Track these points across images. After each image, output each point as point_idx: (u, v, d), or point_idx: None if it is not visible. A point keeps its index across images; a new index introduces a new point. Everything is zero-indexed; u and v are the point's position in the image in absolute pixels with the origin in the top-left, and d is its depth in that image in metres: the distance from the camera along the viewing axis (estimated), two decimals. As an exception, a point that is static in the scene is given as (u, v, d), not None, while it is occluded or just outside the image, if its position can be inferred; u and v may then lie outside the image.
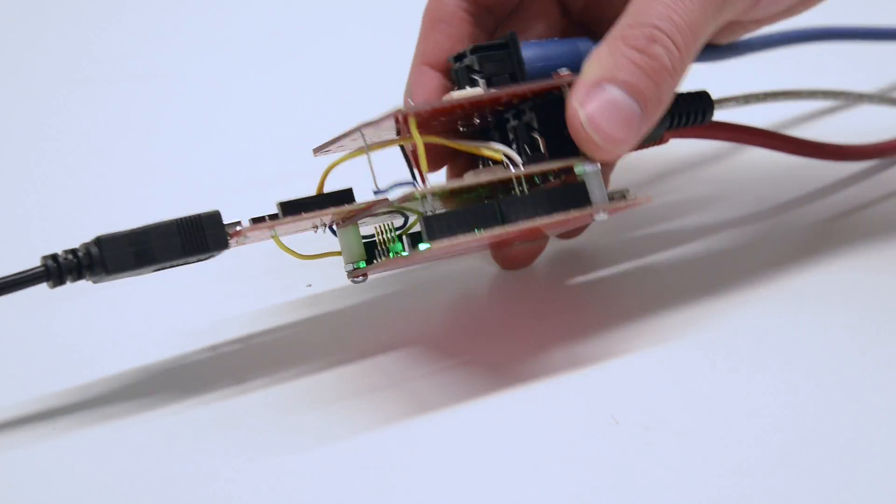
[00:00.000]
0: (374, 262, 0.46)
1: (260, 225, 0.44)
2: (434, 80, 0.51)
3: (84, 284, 0.43)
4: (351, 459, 0.41)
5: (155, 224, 0.43)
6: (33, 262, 0.42)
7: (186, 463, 0.41)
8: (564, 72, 0.46)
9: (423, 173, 0.44)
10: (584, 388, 0.44)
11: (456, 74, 0.49)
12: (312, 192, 0.47)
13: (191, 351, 0.47)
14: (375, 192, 0.44)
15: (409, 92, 0.51)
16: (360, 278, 0.47)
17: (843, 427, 0.42)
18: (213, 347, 0.47)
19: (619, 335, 0.47)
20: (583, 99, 0.45)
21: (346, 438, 0.42)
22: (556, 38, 0.52)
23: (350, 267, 0.47)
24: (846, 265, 0.51)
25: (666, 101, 0.46)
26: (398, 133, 0.46)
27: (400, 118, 0.43)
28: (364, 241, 0.47)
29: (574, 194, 0.45)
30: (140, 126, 0.65)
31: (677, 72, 0.46)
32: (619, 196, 0.46)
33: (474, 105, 0.46)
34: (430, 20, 0.51)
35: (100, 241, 0.42)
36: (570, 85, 0.46)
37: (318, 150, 0.47)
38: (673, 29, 0.46)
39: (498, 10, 0.52)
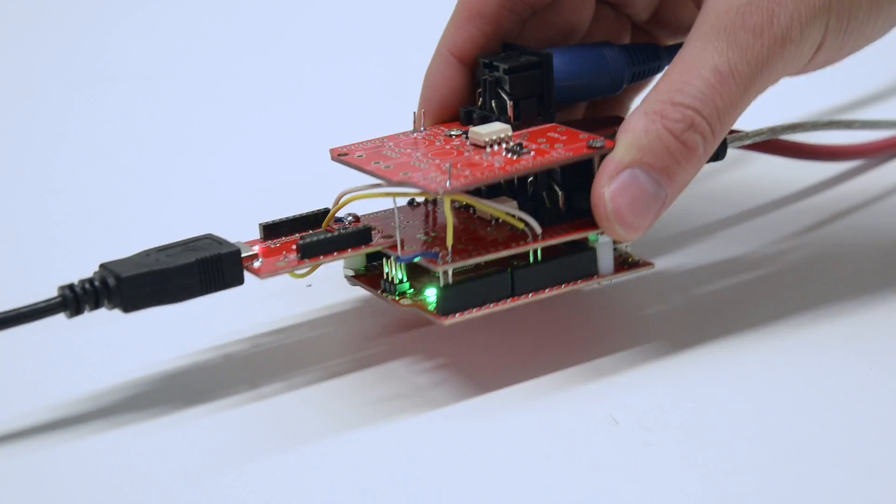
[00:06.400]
0: (377, 292, 0.47)
1: (279, 268, 0.44)
2: (458, 73, 0.50)
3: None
4: (365, 459, 0.42)
5: (176, 265, 0.43)
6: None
7: (203, 468, 0.42)
8: (598, 143, 0.46)
9: (449, 247, 0.44)
10: (585, 388, 0.45)
11: (483, 83, 0.49)
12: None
13: (200, 350, 0.47)
14: (397, 259, 0.45)
15: (430, 79, 0.50)
16: (358, 283, 0.48)
17: (841, 427, 0.43)
18: (221, 348, 0.47)
19: (619, 336, 0.48)
20: (611, 185, 0.45)
21: (360, 440, 0.43)
22: (582, 45, 0.51)
23: (350, 272, 0.48)
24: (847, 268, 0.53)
25: (689, 183, 0.46)
26: None
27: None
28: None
29: (583, 264, 0.46)
30: (141, 125, 0.63)
31: (707, 156, 0.46)
32: (623, 263, 0.47)
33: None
34: (468, 11, 0.49)
35: (120, 280, 0.42)
36: (601, 158, 0.45)
37: (336, 157, 0.47)
38: (714, 115, 0.45)
39: (538, 4, 0.50)
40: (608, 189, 0.45)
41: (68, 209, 0.56)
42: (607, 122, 0.52)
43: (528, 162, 0.45)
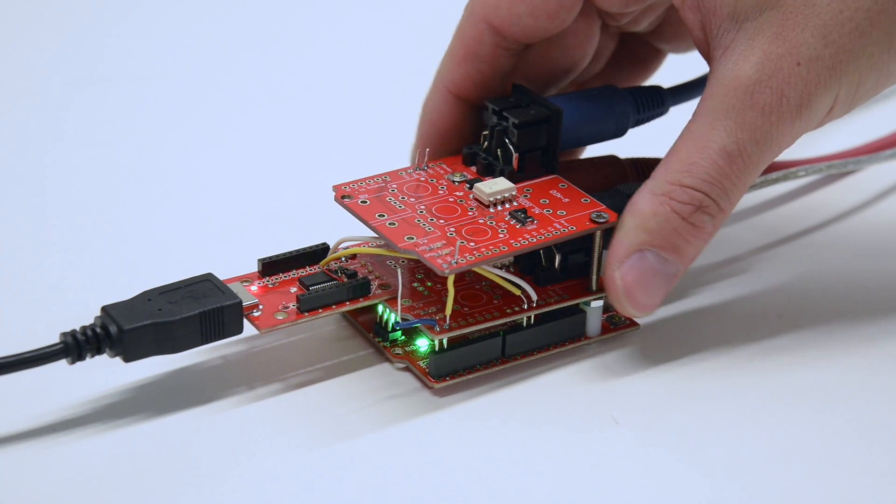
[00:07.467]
0: (370, 335, 0.47)
1: (279, 321, 0.45)
2: (456, 110, 0.50)
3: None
4: (364, 461, 0.43)
5: (178, 318, 0.43)
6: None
7: (202, 467, 0.42)
8: (601, 217, 0.46)
9: (448, 316, 0.45)
10: (585, 388, 0.46)
11: (490, 130, 0.49)
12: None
13: (197, 351, 0.46)
14: (396, 324, 0.45)
15: (427, 115, 0.50)
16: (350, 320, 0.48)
17: (842, 426, 0.44)
18: (218, 349, 0.47)
19: (619, 337, 0.49)
20: (622, 268, 0.45)
21: (358, 442, 0.43)
22: (589, 93, 0.51)
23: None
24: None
25: (699, 255, 0.46)
26: None
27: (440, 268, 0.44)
28: None
29: (573, 326, 0.47)
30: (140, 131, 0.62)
31: (716, 230, 0.46)
32: (609, 321, 0.48)
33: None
34: (464, 50, 0.49)
35: (122, 331, 0.42)
36: (602, 231, 0.46)
37: (339, 199, 0.47)
38: (722, 196, 0.45)
39: (532, 40, 0.50)
40: (619, 272, 0.45)
41: (64, 209, 0.56)
42: (604, 163, 0.52)
43: (533, 237, 0.45)
